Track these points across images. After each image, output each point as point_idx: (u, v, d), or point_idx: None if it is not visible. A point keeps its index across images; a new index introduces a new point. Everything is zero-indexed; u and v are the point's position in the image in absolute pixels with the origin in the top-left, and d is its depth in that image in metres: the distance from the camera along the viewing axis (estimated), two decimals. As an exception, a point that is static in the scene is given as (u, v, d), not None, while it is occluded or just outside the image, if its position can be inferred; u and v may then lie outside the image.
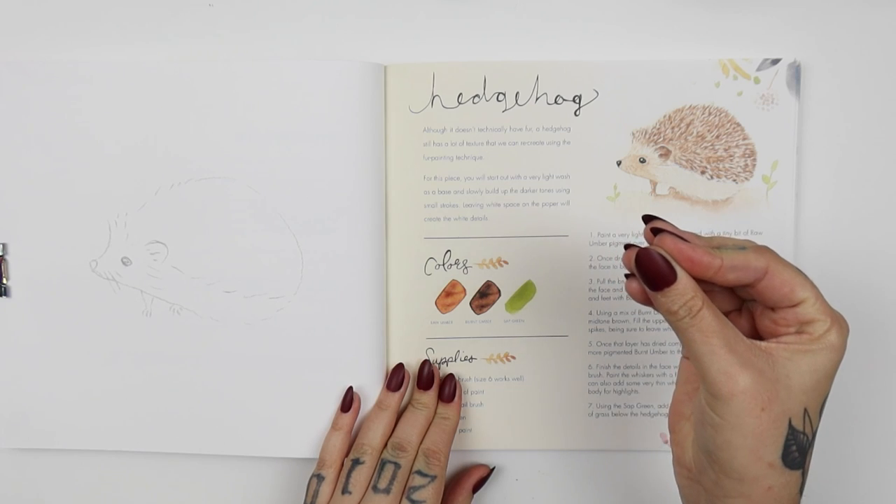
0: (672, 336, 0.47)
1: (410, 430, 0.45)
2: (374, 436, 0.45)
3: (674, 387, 0.38)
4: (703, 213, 0.46)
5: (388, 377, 0.47)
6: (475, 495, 0.47)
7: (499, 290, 0.47)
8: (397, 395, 0.46)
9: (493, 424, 0.48)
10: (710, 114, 0.46)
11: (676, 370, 0.46)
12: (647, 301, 0.33)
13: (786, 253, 0.42)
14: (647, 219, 0.34)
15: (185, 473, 0.49)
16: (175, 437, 0.48)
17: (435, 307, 0.47)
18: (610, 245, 0.47)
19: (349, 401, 0.46)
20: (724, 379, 0.31)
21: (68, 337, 0.47)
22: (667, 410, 0.47)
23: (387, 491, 0.42)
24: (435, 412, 0.46)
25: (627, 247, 0.33)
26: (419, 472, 0.43)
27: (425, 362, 0.47)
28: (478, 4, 0.46)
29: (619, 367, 0.48)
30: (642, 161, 0.46)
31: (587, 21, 0.46)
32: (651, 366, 0.48)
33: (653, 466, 0.49)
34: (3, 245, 0.46)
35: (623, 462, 0.49)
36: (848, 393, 0.47)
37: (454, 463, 0.48)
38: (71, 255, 0.46)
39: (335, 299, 0.46)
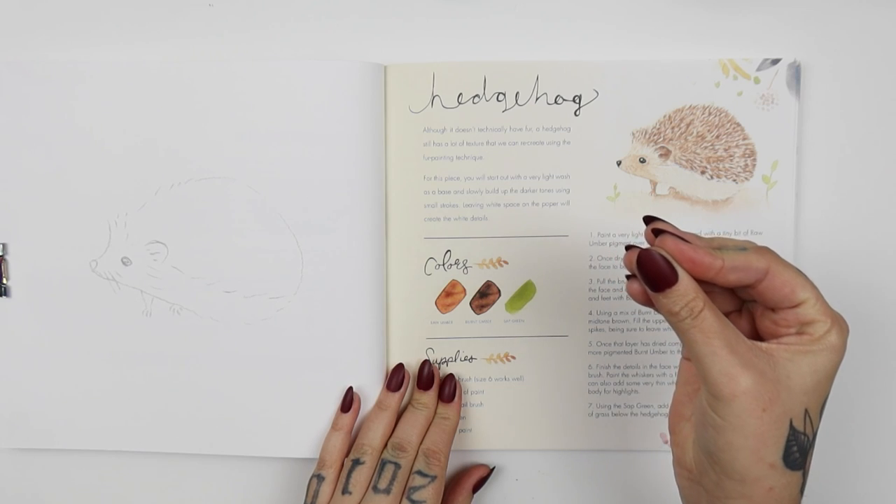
0: (672, 336, 0.47)
1: (410, 430, 0.45)
2: (374, 436, 0.45)
3: (674, 387, 0.38)
4: (703, 213, 0.46)
5: (388, 377, 0.47)
6: (475, 495, 0.47)
7: (499, 290, 0.47)
8: (397, 395, 0.46)
9: (493, 424, 0.48)
10: (710, 114, 0.46)
11: (676, 370, 0.46)
12: (648, 302, 0.33)
13: (786, 253, 0.42)
14: (648, 220, 0.34)
15: (185, 473, 0.49)
16: (175, 437, 0.48)
17: (435, 307, 0.47)
18: (610, 245, 0.47)
19: (349, 401, 0.46)
20: (725, 380, 0.31)
21: (68, 337, 0.47)
22: (667, 410, 0.47)
23: (387, 491, 0.42)
24: (435, 412, 0.46)
25: (628, 248, 0.33)
26: (419, 473, 0.43)
27: (425, 362, 0.47)
28: (478, 4, 0.46)
29: (619, 367, 0.48)
30: (642, 161, 0.46)
31: (587, 21, 0.46)
32: (651, 366, 0.48)
33: (653, 466, 0.49)
34: (3, 245, 0.46)
35: (623, 462, 0.49)
36: (848, 393, 0.47)
37: (454, 463, 0.48)
38: (71, 255, 0.46)
39: (335, 299, 0.46)
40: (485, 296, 0.47)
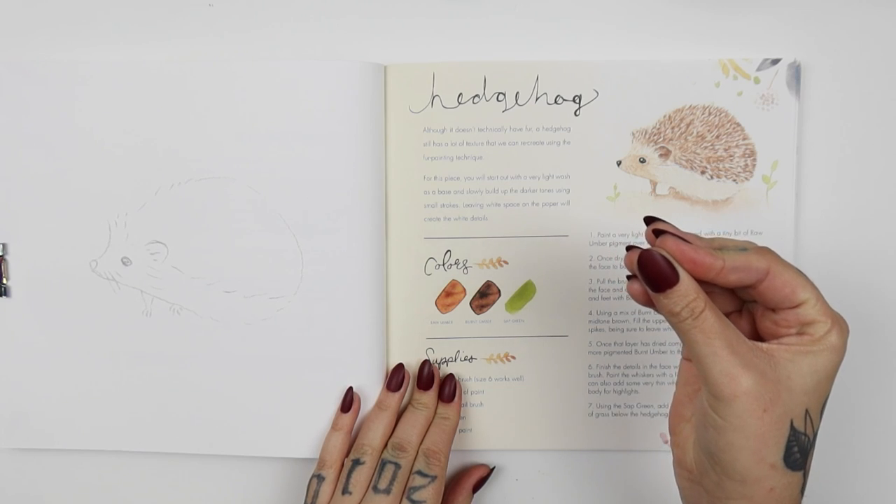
0: (672, 336, 0.47)
1: (410, 430, 0.45)
2: (374, 436, 0.45)
3: (674, 387, 0.38)
4: (703, 213, 0.46)
5: (388, 377, 0.47)
6: (475, 495, 0.47)
7: (499, 290, 0.47)
8: (397, 395, 0.46)
9: (493, 424, 0.48)
10: (710, 114, 0.46)
11: (676, 370, 0.46)
12: (648, 303, 0.33)
13: (786, 253, 0.42)
14: (649, 220, 0.34)
15: (185, 473, 0.49)
16: (175, 437, 0.48)
17: (435, 307, 0.47)
18: (610, 245, 0.47)
19: (349, 401, 0.46)
20: (726, 380, 0.31)
21: (68, 337, 0.47)
22: (667, 410, 0.47)
23: (387, 491, 0.42)
24: (435, 412, 0.46)
25: (629, 248, 0.33)
26: (419, 473, 0.43)
27: (425, 362, 0.47)
28: (478, 4, 0.46)
29: (619, 367, 0.48)
30: (642, 161, 0.46)
31: (587, 21, 0.46)
32: (651, 366, 0.48)
33: (653, 466, 0.49)
34: (3, 245, 0.46)
35: (623, 462, 0.49)
36: (848, 393, 0.47)
37: (454, 463, 0.48)
38: (71, 255, 0.46)
39: (335, 299, 0.46)
40: (485, 296, 0.47)
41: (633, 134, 0.46)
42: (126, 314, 0.46)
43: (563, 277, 0.47)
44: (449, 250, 0.47)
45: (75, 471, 0.49)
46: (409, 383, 0.47)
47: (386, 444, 0.45)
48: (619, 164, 0.46)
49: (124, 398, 0.47)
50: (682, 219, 0.46)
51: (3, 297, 0.47)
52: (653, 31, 0.46)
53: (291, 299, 0.46)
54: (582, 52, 0.46)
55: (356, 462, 0.44)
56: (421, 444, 0.45)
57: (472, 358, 0.48)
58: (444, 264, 0.47)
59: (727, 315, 0.34)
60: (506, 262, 0.47)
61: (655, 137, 0.46)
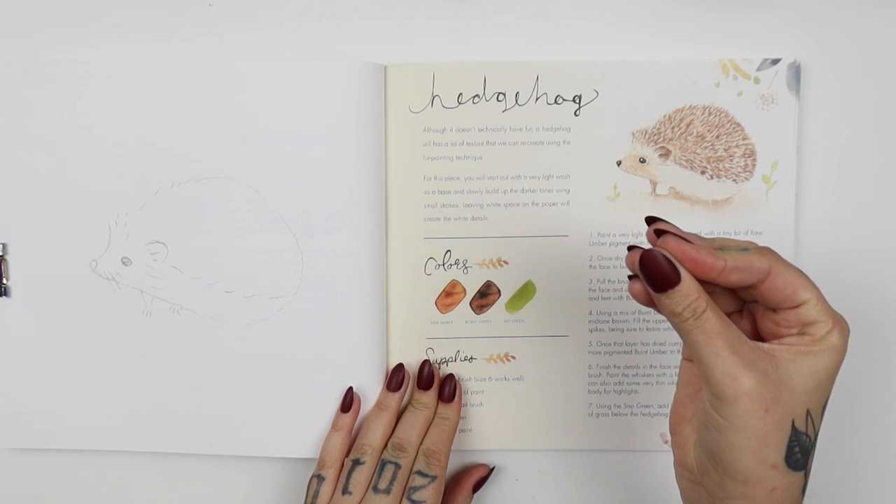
0: (672, 336, 0.47)
1: (410, 430, 0.45)
2: (374, 436, 0.45)
3: (674, 387, 0.38)
4: (703, 213, 0.46)
5: (388, 377, 0.47)
6: (475, 495, 0.47)
7: (499, 290, 0.47)
8: (397, 395, 0.46)
9: (493, 424, 0.48)
10: (710, 114, 0.46)
11: (676, 371, 0.46)
12: (649, 303, 0.33)
13: (786, 253, 0.42)
14: (650, 220, 0.34)
15: (185, 473, 0.49)
16: (175, 437, 0.48)
17: (435, 307, 0.47)
18: (610, 245, 0.47)
19: (349, 401, 0.46)
20: (728, 380, 0.31)
21: (68, 337, 0.47)
22: (667, 410, 0.47)
23: (387, 491, 0.42)
24: (435, 412, 0.46)
25: (631, 248, 0.33)
26: (419, 473, 0.43)
27: (425, 362, 0.47)
28: (478, 4, 0.46)
29: (619, 367, 0.48)
30: (642, 161, 0.46)
31: (587, 21, 0.46)
32: (651, 366, 0.48)
33: (653, 466, 0.49)
34: (3, 245, 0.46)
35: (623, 462, 0.49)
36: (848, 393, 0.47)
37: (454, 463, 0.48)
38: (71, 255, 0.46)
39: (335, 299, 0.46)
40: (485, 296, 0.47)
41: (633, 134, 0.46)
42: (126, 314, 0.46)
43: (563, 277, 0.47)
44: (449, 250, 0.47)
45: (75, 471, 0.49)
46: (409, 383, 0.47)
47: (386, 444, 0.45)
48: (619, 164, 0.46)
49: (124, 398, 0.47)
50: (682, 219, 0.46)
51: (3, 297, 0.47)
52: (653, 31, 0.46)
53: (291, 299, 0.46)
54: (582, 52, 0.46)
55: (356, 462, 0.44)
56: (421, 444, 0.45)
57: (472, 358, 0.48)
58: (444, 264, 0.47)
59: (728, 315, 0.34)
60: (506, 262, 0.47)
61: (655, 137, 0.46)
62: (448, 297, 0.47)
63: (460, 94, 0.46)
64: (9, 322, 0.47)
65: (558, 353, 0.48)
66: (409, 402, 0.47)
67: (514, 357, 0.48)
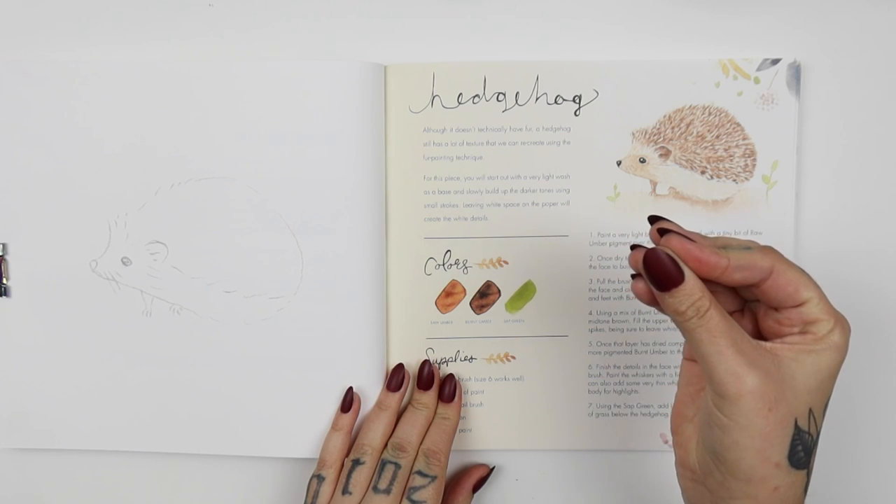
0: (672, 336, 0.47)
1: (410, 430, 0.45)
2: (374, 436, 0.45)
3: (674, 387, 0.38)
4: (703, 213, 0.46)
5: (388, 377, 0.47)
6: (475, 495, 0.47)
7: (499, 290, 0.47)
8: (397, 395, 0.46)
9: (493, 424, 0.48)
10: (710, 114, 0.46)
11: (677, 370, 0.47)
12: (653, 302, 0.33)
13: (786, 253, 0.42)
14: (653, 219, 0.34)
15: (185, 473, 0.49)
16: (175, 437, 0.48)
17: (435, 307, 0.47)
18: (610, 245, 0.47)
19: (349, 401, 0.46)
20: (731, 379, 0.31)
21: (68, 337, 0.47)
22: (667, 410, 0.47)
23: (387, 491, 0.42)
24: (435, 412, 0.46)
25: (634, 247, 0.33)
26: (419, 473, 0.43)
27: (425, 362, 0.47)
28: (478, 4, 0.46)
29: (619, 367, 0.48)
30: (642, 161, 0.46)
31: (587, 21, 0.46)
32: (651, 366, 0.48)
33: (653, 466, 0.49)
34: (3, 245, 0.46)
35: (623, 462, 0.49)
36: (849, 393, 0.47)
37: (454, 463, 0.48)
38: (71, 255, 0.46)
39: (335, 299, 0.46)
40: (485, 296, 0.47)
41: (633, 134, 0.46)
42: (126, 314, 0.46)
43: (563, 277, 0.47)
44: (449, 250, 0.47)
45: (75, 471, 0.49)
46: (409, 383, 0.47)
47: (386, 445, 0.45)
48: (619, 164, 0.46)
49: (124, 398, 0.47)
50: (683, 219, 0.46)
51: (3, 297, 0.46)
52: (653, 31, 0.46)
53: (291, 299, 0.46)
54: (582, 52, 0.46)
55: (356, 462, 0.44)
56: (421, 444, 0.45)
57: (472, 358, 0.48)
58: (444, 264, 0.47)
59: (730, 314, 0.34)
60: (506, 262, 0.47)
61: (655, 137, 0.46)
62: (448, 297, 0.47)
63: (460, 94, 0.46)
64: (9, 322, 0.47)
65: (558, 353, 0.48)
66: (409, 402, 0.47)
67: (514, 357, 0.48)
